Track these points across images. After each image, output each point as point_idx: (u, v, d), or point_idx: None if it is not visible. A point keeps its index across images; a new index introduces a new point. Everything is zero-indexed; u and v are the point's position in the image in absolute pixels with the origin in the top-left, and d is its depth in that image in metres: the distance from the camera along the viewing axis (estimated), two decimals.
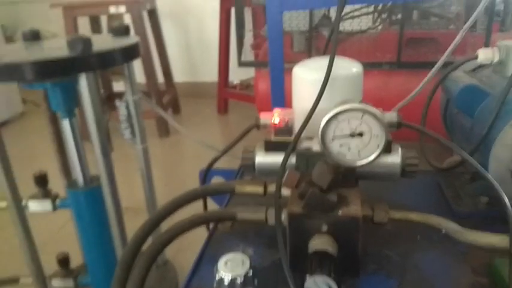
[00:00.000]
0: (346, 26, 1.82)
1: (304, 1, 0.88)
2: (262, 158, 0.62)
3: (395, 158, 0.55)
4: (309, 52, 1.76)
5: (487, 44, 1.45)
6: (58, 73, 0.79)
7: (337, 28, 0.58)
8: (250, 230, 0.68)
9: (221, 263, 0.51)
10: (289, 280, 0.47)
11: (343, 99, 0.56)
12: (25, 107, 3.33)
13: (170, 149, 2.61)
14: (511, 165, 0.61)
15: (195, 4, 3.31)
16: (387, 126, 0.49)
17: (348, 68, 0.60)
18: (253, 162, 0.63)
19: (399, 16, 1.84)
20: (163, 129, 2.68)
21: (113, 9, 2.39)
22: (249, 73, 2.98)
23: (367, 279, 0.56)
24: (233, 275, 0.49)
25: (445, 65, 0.92)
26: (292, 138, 0.57)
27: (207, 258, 0.64)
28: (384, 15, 1.93)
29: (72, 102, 0.92)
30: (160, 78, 2.87)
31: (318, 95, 0.55)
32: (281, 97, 0.93)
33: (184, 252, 1.37)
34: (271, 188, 0.63)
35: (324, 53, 0.91)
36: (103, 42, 0.92)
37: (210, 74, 3.22)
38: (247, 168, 0.64)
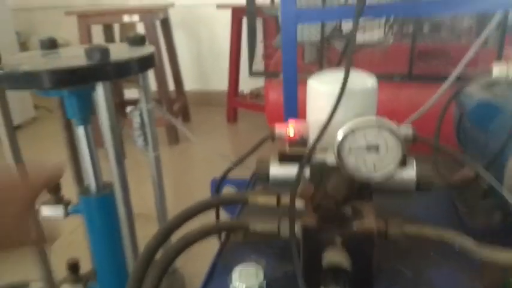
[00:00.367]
0: (357, 38, 1.83)
1: (319, 14, 0.89)
2: (277, 169, 0.62)
3: (410, 172, 0.55)
4: (320, 63, 1.77)
5: (499, 57, 1.44)
6: (76, 82, 0.81)
7: (352, 41, 0.59)
8: (263, 240, 0.68)
9: (235, 274, 0.51)
10: None
11: (358, 112, 0.57)
12: (37, 113, 3.38)
13: (180, 157, 2.63)
14: None
15: (206, 14, 3.35)
16: (403, 141, 0.50)
17: (363, 81, 0.61)
18: (267, 173, 0.63)
19: (410, 29, 1.84)
20: (173, 137, 2.70)
21: (126, 18, 2.43)
22: (258, 82, 3.00)
23: None
24: (247, 286, 0.49)
25: (458, 78, 0.92)
26: (306, 150, 0.58)
27: (219, 269, 0.64)
28: (395, 28, 1.93)
29: (87, 110, 0.93)
30: (171, 86, 2.90)
31: (333, 108, 0.55)
32: (294, 108, 0.94)
33: (192, 261, 1.37)
34: (284, 199, 0.63)
35: (338, 66, 0.91)
36: (120, 51, 0.94)
37: (220, 82, 3.25)
38: (261, 179, 0.64)
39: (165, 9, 2.82)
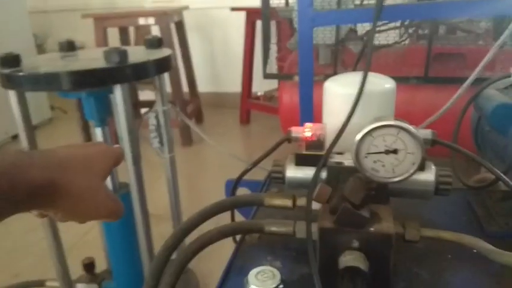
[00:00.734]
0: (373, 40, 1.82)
1: (336, 17, 0.88)
2: (293, 172, 0.62)
3: (429, 176, 0.55)
4: (334, 65, 1.77)
5: None
6: (94, 83, 0.82)
7: (371, 44, 0.59)
8: (278, 242, 0.68)
9: (251, 276, 0.51)
10: None
11: (376, 114, 0.56)
12: (53, 113, 3.43)
13: (193, 158, 2.64)
14: None
15: (221, 16, 3.37)
16: (423, 144, 0.49)
17: (381, 84, 0.61)
18: (283, 175, 0.63)
19: (426, 31, 1.82)
20: (187, 138, 2.72)
21: (142, 21, 2.45)
22: (272, 84, 3.00)
23: None
24: None
25: (476, 81, 0.91)
26: (323, 152, 0.58)
27: (235, 270, 0.64)
28: (411, 30, 1.92)
29: (105, 111, 0.94)
30: (185, 87, 2.92)
31: (351, 110, 0.55)
32: (309, 110, 0.94)
33: (205, 261, 1.37)
34: (300, 201, 0.63)
35: (355, 68, 0.91)
36: (137, 54, 0.95)
37: (234, 84, 3.26)
38: (277, 181, 0.64)
39: (179, 11, 2.85)
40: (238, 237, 0.71)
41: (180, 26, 2.89)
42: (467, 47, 1.75)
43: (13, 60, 0.88)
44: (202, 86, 3.30)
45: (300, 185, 0.63)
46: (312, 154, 0.61)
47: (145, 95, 2.93)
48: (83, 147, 0.49)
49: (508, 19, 1.02)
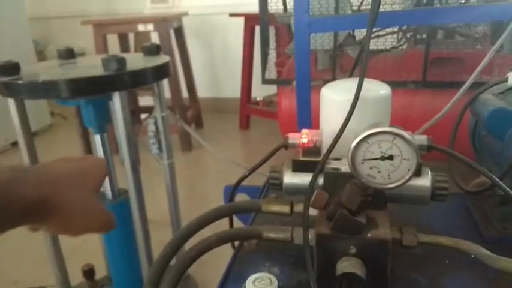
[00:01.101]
0: (371, 44, 1.83)
1: (332, 24, 0.89)
2: (290, 178, 0.63)
3: (425, 181, 0.55)
4: (333, 70, 1.77)
5: None
6: (93, 91, 0.82)
7: (366, 51, 0.59)
8: (276, 248, 0.69)
9: (249, 282, 0.51)
10: None
11: (372, 121, 0.57)
12: (53, 120, 3.43)
13: (193, 163, 2.64)
14: None
15: (220, 22, 3.38)
16: (418, 150, 0.50)
17: (377, 90, 0.61)
18: (281, 182, 0.63)
19: (424, 35, 1.83)
20: (186, 144, 2.72)
21: (141, 27, 2.47)
22: (271, 90, 3.01)
23: None
24: None
25: (473, 85, 0.91)
26: (320, 158, 0.58)
27: (233, 276, 0.64)
28: (408, 35, 1.93)
29: (104, 119, 0.95)
30: (184, 93, 2.92)
31: (347, 117, 0.55)
32: (307, 116, 0.94)
33: (204, 267, 1.37)
34: (298, 207, 0.64)
35: (351, 74, 0.92)
36: (135, 61, 0.96)
37: (233, 90, 3.27)
38: (274, 187, 0.65)
39: (179, 18, 2.86)
40: (237, 243, 0.71)
41: (180, 32, 2.91)
42: (465, 51, 1.76)
43: (12, 68, 0.89)
44: (202, 92, 3.31)
45: (297, 191, 0.63)
46: (309, 160, 0.62)
47: (145, 100, 2.94)
48: (76, 161, 0.49)
49: (505, 24, 1.02)
